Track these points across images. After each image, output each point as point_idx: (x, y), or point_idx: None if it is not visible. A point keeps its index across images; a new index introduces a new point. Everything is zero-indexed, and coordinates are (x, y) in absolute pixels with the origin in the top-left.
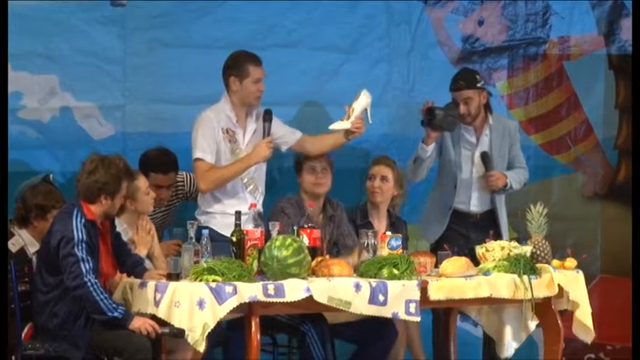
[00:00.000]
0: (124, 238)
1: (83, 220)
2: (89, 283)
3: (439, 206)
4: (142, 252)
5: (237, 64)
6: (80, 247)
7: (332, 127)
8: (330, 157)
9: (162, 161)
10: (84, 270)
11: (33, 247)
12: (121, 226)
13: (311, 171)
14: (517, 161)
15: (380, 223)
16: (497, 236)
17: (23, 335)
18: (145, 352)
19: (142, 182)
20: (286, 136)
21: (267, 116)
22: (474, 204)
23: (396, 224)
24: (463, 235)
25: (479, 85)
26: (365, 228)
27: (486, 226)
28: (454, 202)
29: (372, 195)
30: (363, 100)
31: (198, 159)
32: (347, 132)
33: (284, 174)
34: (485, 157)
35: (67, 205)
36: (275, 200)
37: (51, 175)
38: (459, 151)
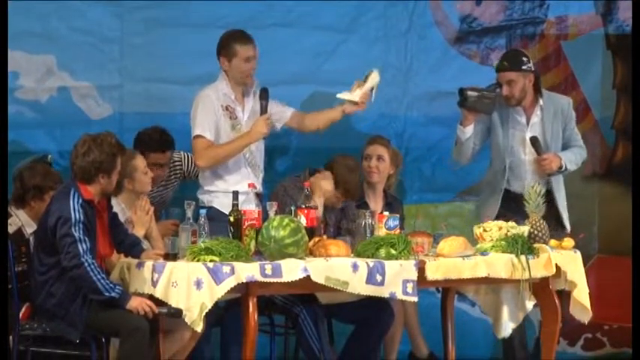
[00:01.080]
0: (122, 218)
1: (80, 201)
2: (86, 264)
3: (491, 188)
4: (139, 232)
5: (225, 45)
6: (77, 228)
7: (340, 95)
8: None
9: (158, 140)
10: (81, 250)
11: (30, 228)
12: (119, 206)
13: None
14: (573, 140)
15: (376, 203)
16: (556, 218)
17: (20, 315)
18: (143, 333)
19: (139, 161)
20: (279, 113)
21: (264, 94)
22: (525, 183)
23: (392, 204)
24: (518, 216)
25: (524, 67)
26: (361, 208)
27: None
28: (504, 184)
29: (368, 175)
30: (372, 80)
31: (197, 136)
32: (348, 105)
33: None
34: (534, 142)
35: (63, 185)
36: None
37: (49, 156)
38: (507, 133)
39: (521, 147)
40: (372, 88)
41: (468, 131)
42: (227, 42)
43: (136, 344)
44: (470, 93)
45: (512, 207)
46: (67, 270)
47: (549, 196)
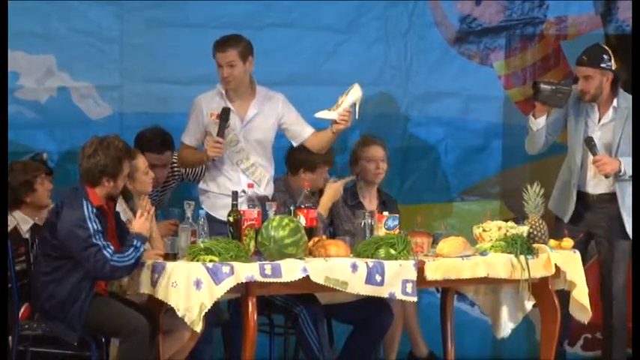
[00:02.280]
0: (124, 218)
1: (94, 210)
2: (117, 264)
3: (564, 183)
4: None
5: (212, 52)
6: (97, 237)
7: (318, 115)
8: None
9: (157, 140)
10: (108, 255)
11: (26, 224)
12: (121, 206)
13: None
14: None
15: (371, 202)
16: (619, 225)
17: (20, 315)
18: (143, 333)
19: (140, 162)
20: (298, 131)
21: (224, 115)
22: (590, 184)
23: (387, 203)
24: (581, 215)
25: (603, 65)
26: (356, 209)
27: (605, 208)
28: (576, 181)
29: (375, 177)
30: (353, 94)
31: (181, 140)
32: (332, 124)
33: None
34: (589, 142)
35: (73, 187)
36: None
37: (44, 154)
38: (580, 129)
39: (586, 144)
40: (353, 104)
41: (540, 122)
42: (213, 48)
43: (136, 344)
44: (543, 86)
45: (581, 207)
46: (106, 278)
47: (614, 198)
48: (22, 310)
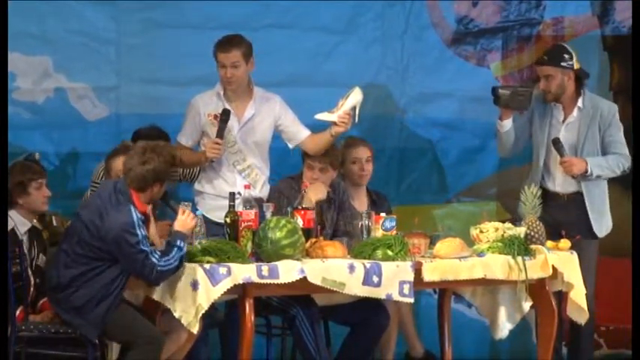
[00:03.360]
0: None
1: (141, 217)
2: (164, 268)
3: (529, 184)
4: None
5: (214, 50)
6: (144, 243)
7: (318, 116)
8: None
9: (153, 136)
10: (155, 260)
11: (24, 226)
12: None
13: (309, 167)
14: (612, 147)
15: (361, 202)
16: (586, 225)
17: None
18: (157, 345)
19: (115, 164)
20: (294, 132)
21: (224, 117)
22: (559, 184)
23: (377, 202)
24: (550, 214)
25: (563, 63)
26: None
27: (574, 208)
28: (540, 180)
29: (360, 178)
30: (353, 97)
31: (176, 140)
32: (332, 126)
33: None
34: (555, 143)
35: (118, 190)
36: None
37: (36, 154)
38: (544, 129)
39: (553, 145)
40: (354, 107)
41: (506, 125)
42: (214, 47)
43: (149, 353)
44: (501, 91)
45: (546, 203)
46: (150, 282)
47: (582, 201)
48: (18, 312)
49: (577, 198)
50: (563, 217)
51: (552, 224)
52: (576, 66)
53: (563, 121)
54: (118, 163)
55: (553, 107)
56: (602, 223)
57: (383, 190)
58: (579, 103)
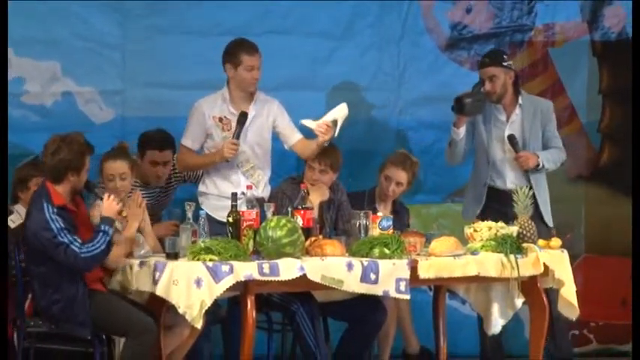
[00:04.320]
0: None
1: (55, 210)
2: (87, 255)
3: (475, 184)
4: (133, 225)
5: (231, 52)
6: (62, 234)
7: (303, 121)
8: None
9: (158, 138)
10: (77, 250)
11: None
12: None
13: (310, 168)
14: (552, 142)
15: (385, 210)
16: (538, 215)
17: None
18: (151, 333)
19: (105, 165)
20: (288, 135)
21: (241, 118)
22: (510, 181)
23: (399, 212)
24: (501, 212)
25: (505, 64)
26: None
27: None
28: (489, 179)
29: (384, 195)
30: (335, 111)
31: (181, 144)
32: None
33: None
34: (511, 139)
35: (38, 186)
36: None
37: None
38: (489, 130)
39: (500, 144)
40: (335, 120)
41: (462, 131)
42: (234, 50)
43: (144, 344)
44: (466, 100)
45: (495, 203)
46: (81, 270)
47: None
48: (26, 305)
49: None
50: (508, 212)
51: (506, 219)
52: (513, 66)
53: (507, 120)
54: (110, 164)
55: (494, 109)
56: (549, 213)
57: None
58: (520, 101)
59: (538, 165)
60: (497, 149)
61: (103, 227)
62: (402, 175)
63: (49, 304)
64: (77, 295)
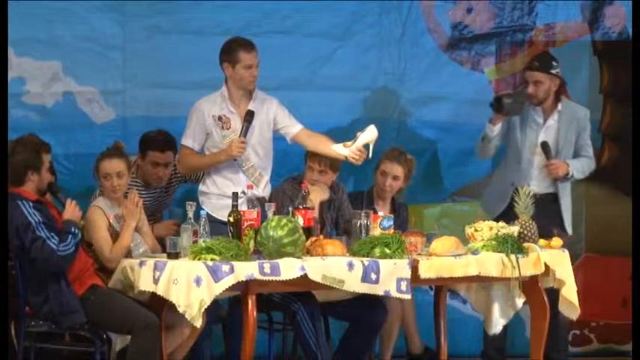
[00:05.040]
0: (111, 214)
1: (31, 204)
2: (62, 253)
3: (503, 183)
4: (130, 225)
5: (229, 51)
6: (40, 228)
7: (333, 147)
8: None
9: (159, 139)
10: (53, 246)
11: None
12: (101, 210)
13: (310, 169)
14: (583, 150)
15: (384, 209)
16: (559, 223)
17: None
18: (154, 329)
19: (104, 165)
20: (288, 127)
21: (248, 117)
22: (534, 184)
23: (398, 210)
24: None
25: (552, 71)
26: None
27: (547, 207)
28: (517, 180)
29: (381, 191)
30: (367, 135)
31: (182, 145)
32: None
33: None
34: (544, 146)
35: (10, 196)
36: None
37: None
38: (525, 131)
39: (532, 147)
40: (368, 144)
41: (497, 129)
42: (231, 48)
43: (148, 340)
44: (506, 100)
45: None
46: (52, 268)
47: (555, 198)
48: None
49: (548, 198)
50: (537, 216)
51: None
52: (560, 73)
53: (544, 124)
54: (106, 163)
55: (532, 111)
56: (570, 221)
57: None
58: (559, 107)
59: (568, 174)
60: (529, 152)
61: (72, 229)
62: (397, 169)
63: (40, 304)
64: (62, 287)
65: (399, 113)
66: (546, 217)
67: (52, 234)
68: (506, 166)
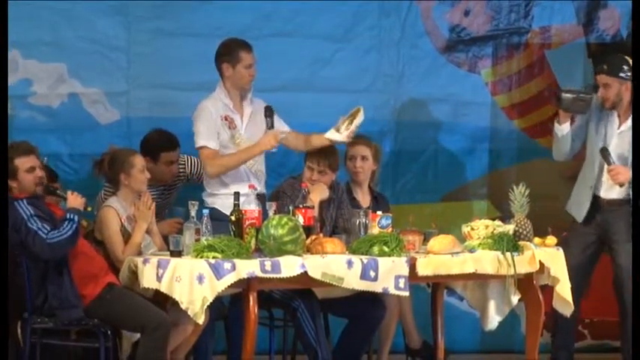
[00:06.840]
0: (123, 215)
1: (25, 200)
2: (54, 240)
3: (583, 186)
4: (142, 227)
5: (229, 51)
6: (33, 221)
7: (327, 135)
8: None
9: (167, 138)
10: (44, 236)
11: None
12: (119, 203)
13: (309, 169)
14: None
15: (364, 198)
16: (628, 226)
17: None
18: (165, 329)
19: (137, 160)
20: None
21: (268, 112)
22: (603, 188)
23: (378, 199)
24: (594, 217)
25: (621, 74)
26: (351, 204)
27: (615, 212)
28: (593, 184)
29: (355, 175)
30: (359, 119)
31: (202, 147)
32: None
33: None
34: (604, 152)
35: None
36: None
37: (44, 159)
38: (600, 134)
39: (601, 153)
40: (357, 127)
41: (565, 128)
42: (232, 49)
43: (159, 339)
44: (564, 95)
45: (596, 212)
46: (48, 257)
47: (627, 204)
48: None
49: (618, 202)
50: (610, 222)
51: (600, 229)
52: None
53: (618, 129)
54: (138, 157)
55: (609, 114)
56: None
57: (380, 190)
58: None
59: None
60: (600, 156)
61: (69, 215)
62: (363, 149)
63: (43, 301)
64: (64, 282)
65: (397, 114)
66: (617, 224)
67: (44, 224)
68: (585, 168)
